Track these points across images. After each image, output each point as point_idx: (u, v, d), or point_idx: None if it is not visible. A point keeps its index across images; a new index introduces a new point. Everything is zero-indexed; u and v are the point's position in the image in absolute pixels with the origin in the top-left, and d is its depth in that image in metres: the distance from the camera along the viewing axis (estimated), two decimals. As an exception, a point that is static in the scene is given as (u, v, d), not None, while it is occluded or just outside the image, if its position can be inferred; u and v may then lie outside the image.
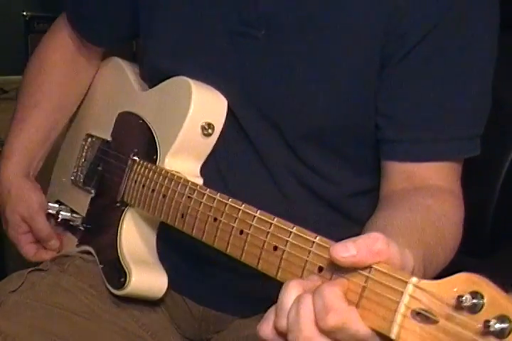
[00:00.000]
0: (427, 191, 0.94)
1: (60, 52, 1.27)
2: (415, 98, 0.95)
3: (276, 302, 0.66)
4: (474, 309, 0.56)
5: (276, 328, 0.66)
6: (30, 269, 1.12)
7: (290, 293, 0.66)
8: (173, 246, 1.06)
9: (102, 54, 1.29)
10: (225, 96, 1.03)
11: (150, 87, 1.16)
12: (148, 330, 1.11)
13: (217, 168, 1.04)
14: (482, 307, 0.55)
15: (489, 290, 0.56)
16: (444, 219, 0.89)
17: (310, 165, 1.02)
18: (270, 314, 0.67)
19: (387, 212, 0.90)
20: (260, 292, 0.93)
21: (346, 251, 0.63)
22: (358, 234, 1.02)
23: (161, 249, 1.09)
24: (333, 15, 0.95)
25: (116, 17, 1.20)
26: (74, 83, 1.28)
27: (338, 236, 1.02)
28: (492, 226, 1.19)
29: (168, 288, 1.07)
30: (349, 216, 1.05)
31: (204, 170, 1.04)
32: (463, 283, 0.57)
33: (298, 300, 0.65)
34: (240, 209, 0.83)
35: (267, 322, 0.67)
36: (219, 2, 1.02)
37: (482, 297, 0.56)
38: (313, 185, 1.03)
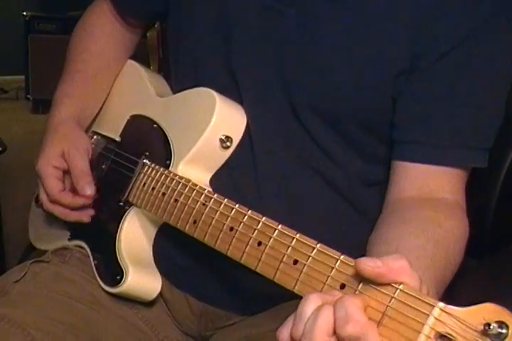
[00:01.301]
0: (436, 205, 0.96)
1: (103, 19, 1.29)
2: (440, 104, 0.96)
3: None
4: (499, 337, 0.60)
5: (292, 334, 0.69)
6: (32, 260, 1.13)
7: (310, 303, 0.69)
8: (175, 243, 1.08)
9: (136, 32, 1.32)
10: (253, 70, 1.04)
11: (167, 89, 1.19)
12: (148, 323, 1.12)
13: (230, 177, 1.06)
14: (506, 336, 0.60)
15: (514, 322, 0.60)
16: (452, 236, 0.92)
17: (325, 152, 1.03)
18: (290, 320, 0.71)
19: (397, 229, 0.92)
20: (260, 290, 0.94)
21: (373, 262, 0.67)
22: (361, 223, 1.06)
23: (162, 246, 1.10)
24: (368, 1, 0.97)
25: None
26: (117, 47, 1.29)
27: (346, 228, 1.05)
28: (492, 227, 1.20)
29: (169, 284, 1.09)
30: (359, 207, 1.07)
31: (216, 179, 1.06)
32: (490, 312, 0.61)
33: (318, 310, 0.68)
34: (260, 221, 0.85)
35: (286, 327, 0.70)
36: None
37: (507, 327, 0.60)
38: (331, 176, 1.04)
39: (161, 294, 1.13)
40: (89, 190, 1.12)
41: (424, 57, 0.95)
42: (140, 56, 1.43)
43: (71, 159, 1.14)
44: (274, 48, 1.03)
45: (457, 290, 1.03)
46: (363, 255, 0.84)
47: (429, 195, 0.97)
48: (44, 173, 1.14)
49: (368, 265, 0.67)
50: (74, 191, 1.14)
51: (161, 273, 1.12)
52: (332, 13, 0.99)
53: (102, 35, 1.28)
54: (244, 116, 1.06)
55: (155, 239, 1.12)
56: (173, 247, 1.09)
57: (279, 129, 1.05)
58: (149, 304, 1.13)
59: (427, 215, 0.94)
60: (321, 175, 1.05)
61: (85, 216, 1.15)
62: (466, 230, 0.96)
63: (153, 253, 1.12)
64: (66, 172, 1.15)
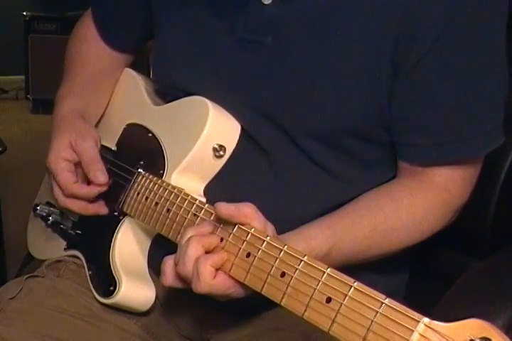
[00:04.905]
0: (411, 182, 1.00)
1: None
2: (433, 102, 0.96)
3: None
4: (483, 354, 0.58)
5: (174, 261, 0.89)
6: (26, 276, 1.12)
7: (185, 236, 0.89)
8: (172, 246, 1.06)
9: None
10: (235, 104, 1.04)
11: (163, 98, 1.18)
12: (149, 331, 1.11)
13: (223, 187, 1.05)
14: (490, 353, 0.58)
15: (499, 339, 0.58)
16: (409, 211, 0.98)
17: (322, 166, 1.02)
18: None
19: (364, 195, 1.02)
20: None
21: (228, 206, 0.86)
22: None
23: (159, 249, 1.08)
24: (340, 19, 0.96)
25: (132, 21, 1.23)
26: (113, 54, 1.29)
27: None
28: (492, 227, 1.20)
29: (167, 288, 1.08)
30: None
31: (210, 188, 1.05)
32: (475, 328, 0.60)
33: (188, 240, 0.87)
34: (249, 233, 0.84)
35: (170, 257, 0.90)
36: (225, 9, 1.03)
37: (492, 343, 0.58)
38: (329, 188, 1.03)
39: (159, 300, 1.12)
40: (101, 176, 1.10)
41: (406, 61, 0.94)
42: (140, 59, 1.42)
43: (79, 148, 1.12)
44: (252, 78, 1.02)
45: (457, 290, 1.01)
46: None
47: (420, 175, 1.01)
48: (56, 168, 1.11)
49: (224, 208, 0.85)
50: (87, 182, 1.13)
51: (158, 276, 1.10)
52: (307, 36, 0.98)
53: (96, 42, 1.28)
54: (238, 125, 1.05)
55: (152, 241, 1.10)
56: (170, 250, 1.07)
57: (277, 153, 1.03)
58: (148, 312, 1.12)
59: (389, 188, 1.02)
60: (321, 189, 1.03)
61: (103, 207, 1.13)
62: (429, 211, 0.99)
63: (150, 256, 1.10)
64: (77, 164, 1.13)
